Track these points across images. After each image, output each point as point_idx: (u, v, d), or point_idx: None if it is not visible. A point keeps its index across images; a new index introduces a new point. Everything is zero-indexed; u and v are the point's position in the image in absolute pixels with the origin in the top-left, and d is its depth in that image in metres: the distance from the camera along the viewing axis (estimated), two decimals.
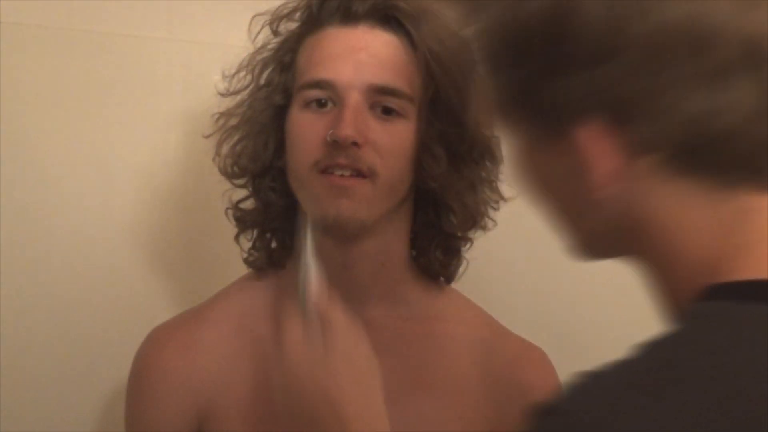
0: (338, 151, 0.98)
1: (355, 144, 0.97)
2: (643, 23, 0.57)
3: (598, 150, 0.60)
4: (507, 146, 0.73)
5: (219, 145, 1.09)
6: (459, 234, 1.09)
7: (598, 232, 0.65)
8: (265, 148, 1.06)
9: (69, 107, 1.29)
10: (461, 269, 1.13)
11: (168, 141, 1.34)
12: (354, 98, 0.99)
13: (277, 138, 1.06)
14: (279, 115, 1.05)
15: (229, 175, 1.09)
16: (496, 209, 1.10)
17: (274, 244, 1.10)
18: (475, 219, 1.08)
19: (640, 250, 0.64)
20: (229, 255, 1.14)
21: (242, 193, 1.10)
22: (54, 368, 1.28)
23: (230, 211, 1.11)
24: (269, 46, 1.08)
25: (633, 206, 0.62)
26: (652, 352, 0.56)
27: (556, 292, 1.37)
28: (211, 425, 1.06)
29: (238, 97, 1.09)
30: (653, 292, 0.65)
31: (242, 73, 1.09)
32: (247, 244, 1.12)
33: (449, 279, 1.12)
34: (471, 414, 1.07)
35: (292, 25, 1.08)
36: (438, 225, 1.08)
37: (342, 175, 0.98)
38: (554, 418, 0.55)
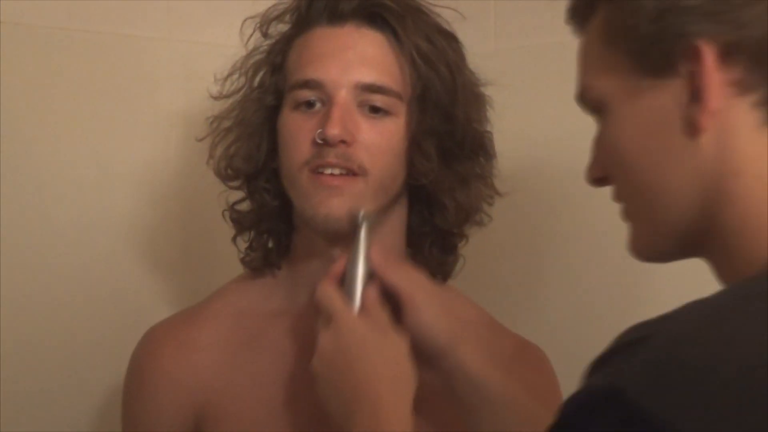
0: (328, 150, 0.98)
1: (343, 142, 0.98)
2: None
3: (707, 83, 0.62)
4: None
5: (213, 147, 1.10)
6: (454, 230, 1.10)
7: (682, 202, 0.65)
8: (258, 149, 1.06)
9: (69, 107, 1.30)
10: (458, 267, 1.13)
11: (167, 141, 1.34)
12: (342, 97, 0.99)
13: (269, 139, 1.06)
14: (271, 116, 1.06)
15: (224, 178, 1.10)
16: (491, 204, 1.10)
17: (270, 245, 1.10)
18: (468, 214, 1.08)
19: (723, 213, 0.64)
20: (226, 254, 1.14)
21: (238, 194, 1.11)
22: (52, 368, 1.29)
23: (227, 213, 1.11)
24: (261, 48, 1.09)
25: (728, 153, 0.63)
26: (740, 285, 0.58)
27: (554, 290, 1.37)
28: (208, 424, 1.06)
29: (231, 100, 1.10)
30: (722, 269, 0.65)
31: (235, 76, 1.10)
32: (244, 245, 1.12)
33: (446, 276, 1.12)
34: None
35: (284, 27, 1.08)
36: (432, 222, 1.08)
37: (332, 174, 0.99)
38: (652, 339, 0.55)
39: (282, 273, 1.10)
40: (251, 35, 1.09)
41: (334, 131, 0.97)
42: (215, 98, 1.10)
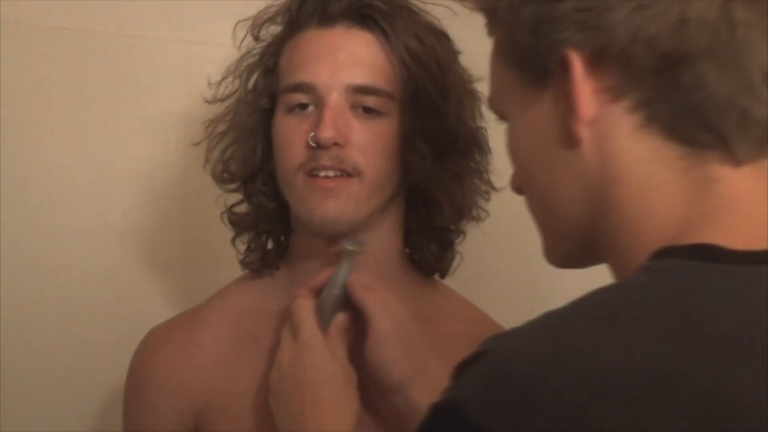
0: (321, 152, 0.98)
1: (336, 145, 0.98)
2: None
3: (580, 92, 0.61)
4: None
5: (209, 151, 1.10)
6: (450, 227, 1.10)
7: (573, 208, 0.66)
8: (254, 152, 1.07)
9: (68, 107, 1.30)
10: (455, 264, 1.13)
11: (167, 140, 1.34)
12: (334, 99, 0.99)
13: (264, 142, 1.06)
14: (265, 119, 1.06)
15: (221, 181, 1.10)
16: (487, 200, 1.10)
17: (268, 246, 1.10)
18: (464, 211, 1.08)
19: (610, 215, 0.64)
20: (225, 256, 1.14)
21: (236, 197, 1.11)
22: (52, 369, 1.29)
23: (225, 216, 1.12)
24: (254, 51, 1.09)
25: (607, 161, 0.62)
26: (599, 293, 0.58)
27: (551, 285, 1.37)
28: (209, 425, 1.06)
29: (227, 103, 1.10)
30: (616, 276, 0.65)
31: (229, 79, 1.10)
32: (243, 247, 1.12)
33: (443, 273, 1.13)
34: None
35: (276, 29, 1.08)
36: (428, 219, 1.08)
37: (327, 177, 0.99)
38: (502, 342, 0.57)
39: (281, 273, 1.10)
40: (244, 38, 1.10)
41: (326, 134, 0.97)
42: (210, 102, 1.11)
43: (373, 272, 1.05)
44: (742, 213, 0.61)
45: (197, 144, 1.11)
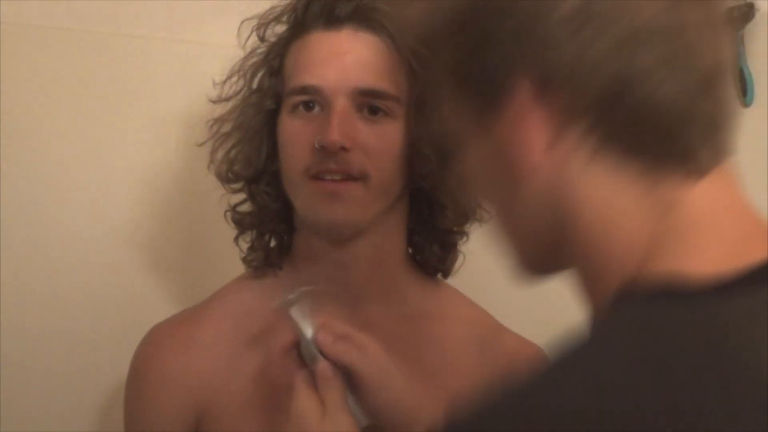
0: (327, 156, 0.98)
1: (343, 149, 0.98)
2: None
3: (530, 119, 0.59)
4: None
5: (213, 152, 1.10)
6: (454, 229, 1.10)
7: (534, 233, 0.64)
8: (258, 153, 1.07)
9: (69, 107, 1.30)
10: (458, 263, 1.13)
11: (167, 140, 1.34)
12: (340, 103, 0.99)
13: (269, 143, 1.06)
14: (270, 120, 1.06)
15: (225, 181, 1.10)
16: None
17: (272, 245, 1.11)
18: (467, 214, 1.09)
19: (572, 242, 0.62)
20: (228, 254, 1.14)
21: (240, 195, 1.11)
22: (53, 368, 1.29)
23: (229, 215, 1.12)
24: (259, 51, 1.09)
25: (566, 188, 0.60)
26: (565, 361, 0.55)
27: (552, 288, 1.37)
28: (210, 424, 1.06)
29: (231, 103, 1.10)
30: (582, 294, 0.64)
31: (234, 78, 1.10)
32: (246, 246, 1.12)
33: (446, 273, 1.13)
34: None
35: (281, 28, 1.08)
36: (432, 222, 1.08)
37: (333, 180, 0.99)
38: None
39: (283, 273, 1.10)
40: (248, 37, 1.09)
41: (333, 138, 0.97)
42: (214, 102, 1.11)
43: (375, 273, 1.06)
44: (709, 231, 0.59)
45: (201, 144, 1.11)
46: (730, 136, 0.61)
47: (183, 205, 1.35)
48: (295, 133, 1.01)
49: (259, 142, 1.06)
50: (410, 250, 1.11)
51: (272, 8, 1.08)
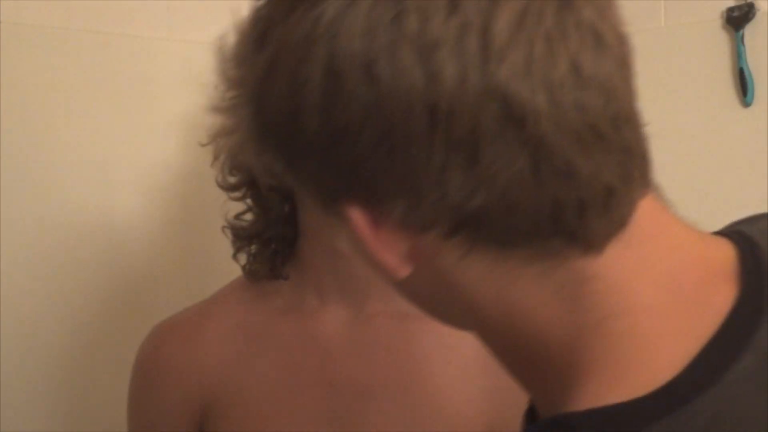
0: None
1: None
2: (366, 98, 0.48)
3: (369, 239, 0.52)
4: None
5: (216, 149, 1.09)
6: None
7: (438, 305, 0.58)
8: None
9: (69, 107, 1.30)
10: None
11: (167, 140, 1.34)
12: None
13: None
14: None
15: (228, 176, 1.09)
16: None
17: (275, 254, 1.09)
18: None
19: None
20: (230, 253, 1.14)
21: (241, 206, 1.10)
22: (55, 367, 1.29)
23: (227, 228, 1.10)
24: None
25: (450, 290, 0.54)
26: None
27: None
28: (214, 421, 1.06)
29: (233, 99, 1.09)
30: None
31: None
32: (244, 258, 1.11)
33: None
34: (469, 411, 1.07)
35: None
36: None
37: None
38: None
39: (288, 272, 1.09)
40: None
41: None
42: (216, 111, 1.10)
43: None
44: (635, 320, 0.51)
45: (205, 145, 1.11)
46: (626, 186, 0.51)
47: (184, 204, 1.35)
48: None
49: None
50: None
51: None
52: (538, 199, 0.49)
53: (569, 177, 0.49)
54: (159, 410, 1.08)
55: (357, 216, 0.51)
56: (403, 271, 0.53)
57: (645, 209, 0.52)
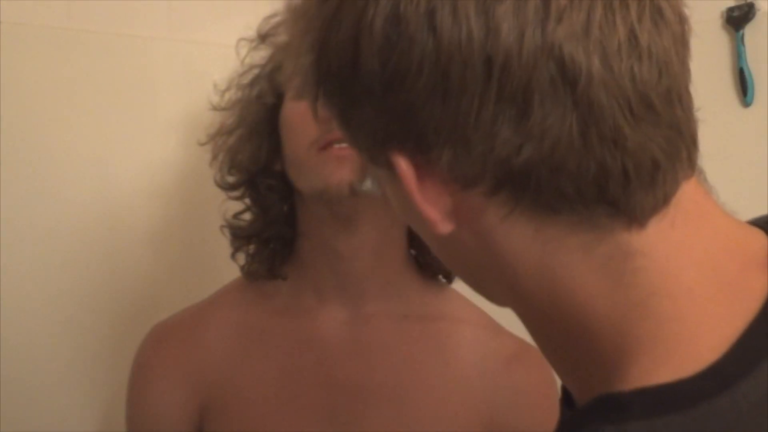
0: (334, 127, 0.98)
1: None
2: (425, 45, 0.50)
3: (415, 190, 0.53)
4: None
5: (215, 149, 1.10)
6: None
7: (478, 269, 0.58)
8: (260, 149, 1.07)
9: (69, 107, 1.30)
10: None
11: (167, 140, 1.34)
12: None
13: (271, 140, 1.06)
14: (272, 116, 1.06)
15: (227, 175, 1.10)
16: None
17: (274, 256, 1.09)
18: None
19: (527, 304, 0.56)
20: (229, 253, 1.14)
21: (240, 205, 1.10)
22: (54, 367, 1.29)
23: (227, 228, 1.11)
24: (259, 65, 1.10)
25: (492, 249, 0.54)
26: None
27: None
28: (213, 421, 1.06)
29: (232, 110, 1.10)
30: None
31: (232, 90, 1.10)
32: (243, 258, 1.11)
33: (448, 276, 1.13)
34: (467, 413, 1.07)
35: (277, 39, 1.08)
36: None
37: (341, 147, 0.98)
38: None
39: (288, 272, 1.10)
40: (246, 54, 1.10)
41: None
42: (217, 110, 1.11)
43: (377, 266, 1.05)
44: (679, 301, 0.51)
45: (204, 144, 1.11)
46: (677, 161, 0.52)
47: (184, 204, 1.35)
48: (300, 112, 1.01)
49: (260, 139, 1.06)
50: (413, 252, 1.11)
51: (266, 19, 1.08)
52: (584, 162, 0.50)
53: (616, 144, 0.49)
54: (158, 410, 1.08)
55: (404, 166, 0.52)
56: (446, 227, 0.54)
57: (689, 192, 0.53)
